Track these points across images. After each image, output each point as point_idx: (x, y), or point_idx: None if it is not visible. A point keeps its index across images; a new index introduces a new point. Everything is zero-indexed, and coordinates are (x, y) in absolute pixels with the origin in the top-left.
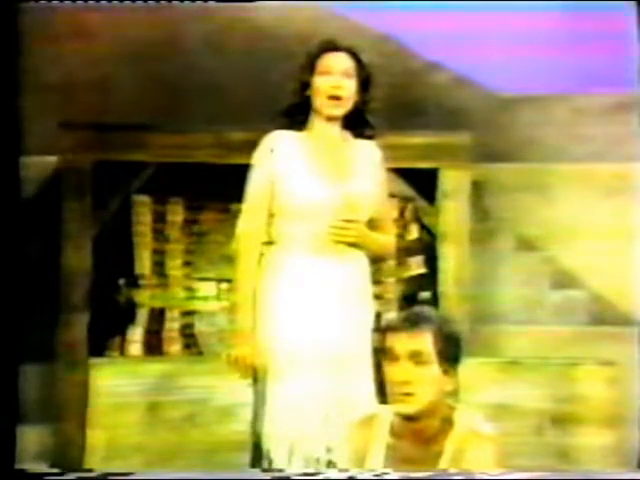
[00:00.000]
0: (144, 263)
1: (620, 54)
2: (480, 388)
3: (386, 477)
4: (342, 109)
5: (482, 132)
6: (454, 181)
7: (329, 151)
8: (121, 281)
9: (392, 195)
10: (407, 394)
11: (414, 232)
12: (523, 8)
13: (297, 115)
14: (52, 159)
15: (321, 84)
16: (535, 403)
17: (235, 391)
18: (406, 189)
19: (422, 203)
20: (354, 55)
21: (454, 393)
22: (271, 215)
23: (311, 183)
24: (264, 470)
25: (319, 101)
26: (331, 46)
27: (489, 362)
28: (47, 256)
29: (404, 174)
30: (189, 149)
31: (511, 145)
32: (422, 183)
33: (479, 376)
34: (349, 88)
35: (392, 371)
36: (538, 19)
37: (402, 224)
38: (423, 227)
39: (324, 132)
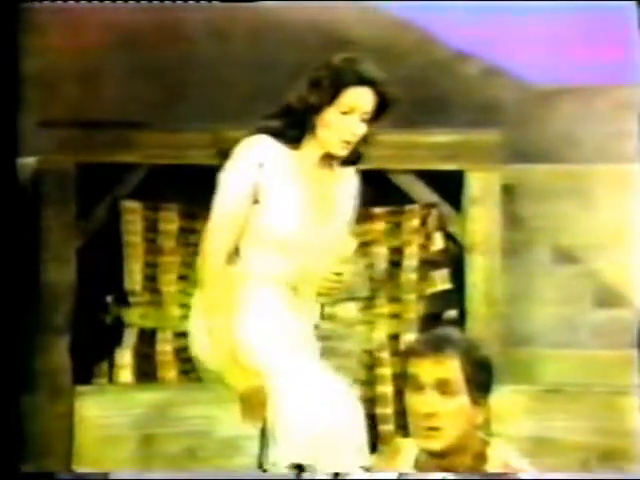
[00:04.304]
0: (134, 278)
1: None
2: (514, 419)
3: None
4: (347, 151)
5: (514, 129)
6: (483, 185)
7: (317, 181)
8: (109, 298)
9: (413, 201)
10: (433, 428)
11: (438, 243)
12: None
13: (293, 128)
14: (30, 160)
15: (338, 123)
16: (577, 436)
17: (239, 422)
18: (429, 194)
19: (447, 210)
20: (379, 91)
21: (485, 425)
22: (241, 234)
23: (297, 215)
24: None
25: (328, 137)
26: (357, 80)
27: (524, 390)
28: (24, 271)
29: (426, 177)
30: (184, 149)
31: (547, 143)
32: (447, 187)
33: (513, 406)
34: (362, 131)
35: (416, 402)
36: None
37: (424, 234)
38: (448, 237)
39: (316, 160)
